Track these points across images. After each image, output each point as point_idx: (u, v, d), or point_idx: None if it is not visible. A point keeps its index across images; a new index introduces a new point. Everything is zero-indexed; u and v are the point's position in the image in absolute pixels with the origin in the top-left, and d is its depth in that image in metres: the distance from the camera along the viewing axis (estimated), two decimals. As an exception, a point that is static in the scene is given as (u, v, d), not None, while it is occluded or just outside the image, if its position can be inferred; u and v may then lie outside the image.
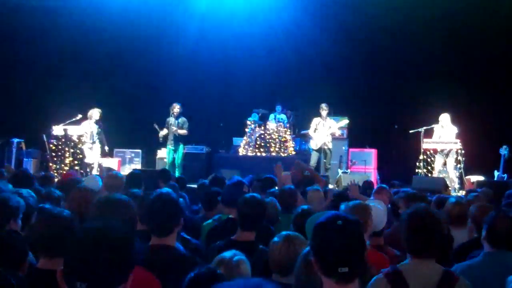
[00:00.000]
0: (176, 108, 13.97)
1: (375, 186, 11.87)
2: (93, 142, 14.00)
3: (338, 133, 14.70)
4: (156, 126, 14.07)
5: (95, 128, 14.01)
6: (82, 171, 14.08)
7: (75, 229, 3.31)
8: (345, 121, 14.88)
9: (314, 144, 14.05)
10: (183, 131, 13.97)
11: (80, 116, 14.16)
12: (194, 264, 3.53)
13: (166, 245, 3.75)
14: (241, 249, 3.82)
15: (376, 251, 4.39)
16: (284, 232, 3.78)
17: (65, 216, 3.30)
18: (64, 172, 13.70)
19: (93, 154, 14.12)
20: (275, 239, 3.71)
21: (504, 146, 14.26)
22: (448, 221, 5.65)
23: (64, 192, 6.25)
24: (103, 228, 2.11)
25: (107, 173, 10.50)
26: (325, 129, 13.94)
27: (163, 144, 14.52)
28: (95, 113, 13.98)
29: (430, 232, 3.30)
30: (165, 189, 6.90)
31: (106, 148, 14.34)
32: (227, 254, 3.39)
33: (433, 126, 13.39)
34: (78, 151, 14.13)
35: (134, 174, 7.52)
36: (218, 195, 6.47)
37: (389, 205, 6.43)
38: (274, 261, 3.63)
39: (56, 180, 10.09)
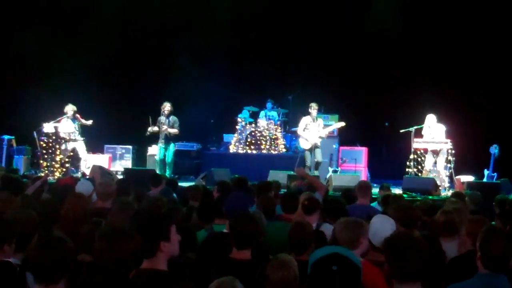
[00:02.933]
0: (167, 107, 13.86)
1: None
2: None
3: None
4: (150, 120, 13.90)
5: (71, 125, 14.10)
6: (73, 168, 14.13)
7: (74, 257, 3.32)
8: (341, 123, 14.65)
9: (305, 143, 13.97)
10: (174, 130, 13.88)
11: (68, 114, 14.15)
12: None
13: (154, 269, 3.52)
14: (237, 268, 3.83)
15: (373, 267, 4.22)
16: (280, 255, 3.80)
17: (66, 244, 3.24)
18: (55, 169, 13.75)
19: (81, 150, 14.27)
20: (272, 263, 3.72)
21: (494, 145, 14.33)
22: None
23: (58, 196, 6.28)
24: None
25: (97, 172, 10.53)
26: (316, 129, 13.86)
27: (155, 141, 14.45)
28: (68, 109, 14.04)
29: (412, 257, 3.27)
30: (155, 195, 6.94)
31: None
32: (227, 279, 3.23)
33: (421, 126, 13.32)
34: (68, 147, 14.10)
35: (123, 182, 7.54)
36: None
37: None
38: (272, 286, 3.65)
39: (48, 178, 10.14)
